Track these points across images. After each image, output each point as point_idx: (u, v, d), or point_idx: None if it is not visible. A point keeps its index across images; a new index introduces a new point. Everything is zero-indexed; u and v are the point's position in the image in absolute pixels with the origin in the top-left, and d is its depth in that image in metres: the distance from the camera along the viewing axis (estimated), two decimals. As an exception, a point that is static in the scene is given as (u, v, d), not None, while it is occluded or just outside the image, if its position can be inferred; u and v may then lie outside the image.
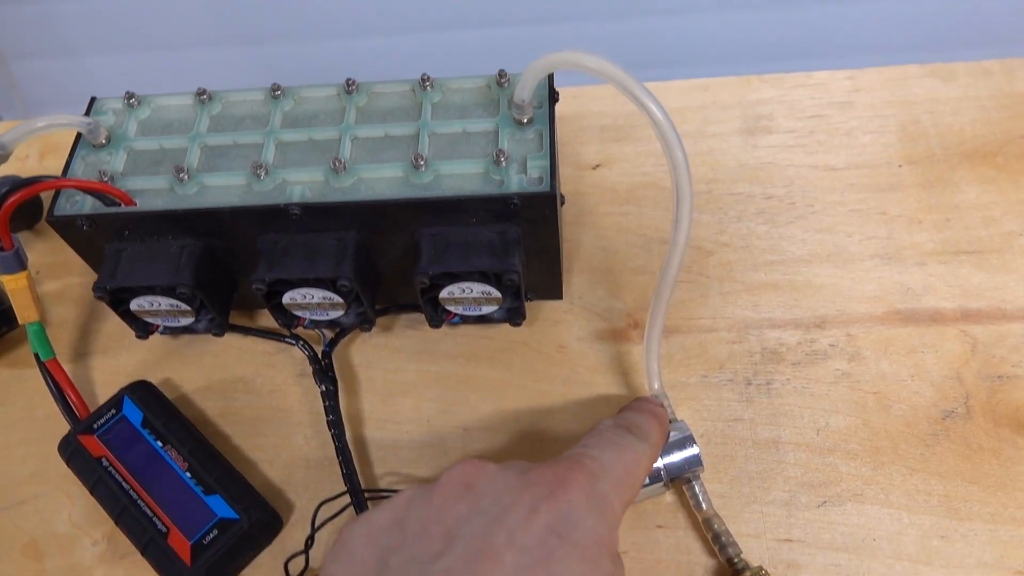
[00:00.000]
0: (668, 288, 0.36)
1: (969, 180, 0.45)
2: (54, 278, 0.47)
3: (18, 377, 0.44)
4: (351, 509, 0.37)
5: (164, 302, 0.39)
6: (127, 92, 0.41)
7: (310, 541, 0.35)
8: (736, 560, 0.35)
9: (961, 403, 0.39)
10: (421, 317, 0.43)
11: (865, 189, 0.46)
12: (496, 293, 0.38)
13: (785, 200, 0.46)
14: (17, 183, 0.36)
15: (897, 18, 0.80)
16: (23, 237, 0.49)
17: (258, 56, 0.99)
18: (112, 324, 0.45)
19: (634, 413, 0.35)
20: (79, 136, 0.40)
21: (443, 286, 0.37)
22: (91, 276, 0.46)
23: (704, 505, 0.36)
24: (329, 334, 0.42)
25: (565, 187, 0.47)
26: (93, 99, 0.41)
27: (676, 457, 0.36)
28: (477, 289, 0.38)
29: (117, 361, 0.44)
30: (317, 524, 0.35)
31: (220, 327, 0.41)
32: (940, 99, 0.49)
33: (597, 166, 0.48)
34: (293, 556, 0.35)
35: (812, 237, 0.44)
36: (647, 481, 0.36)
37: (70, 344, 0.45)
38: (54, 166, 0.51)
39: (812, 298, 0.42)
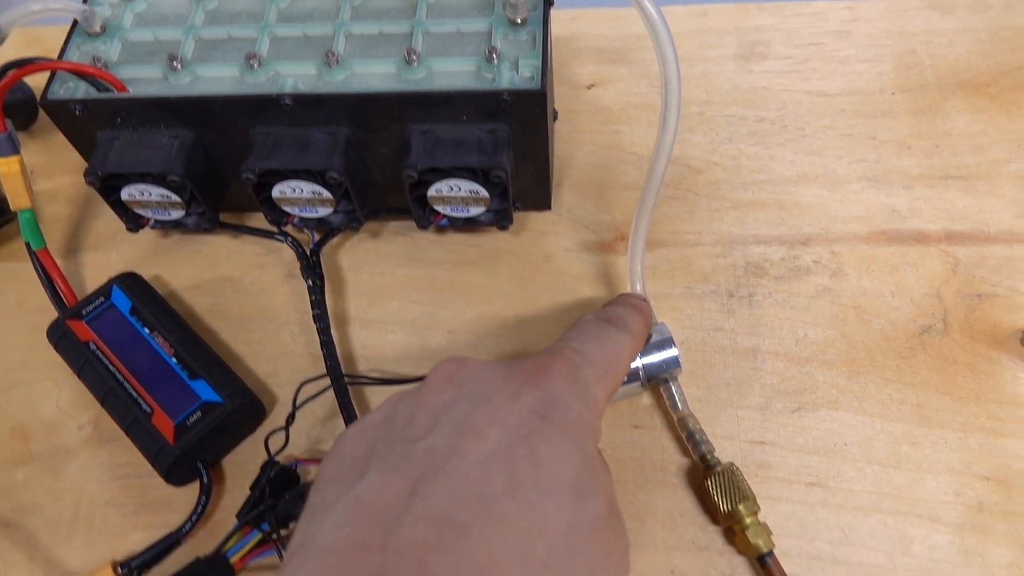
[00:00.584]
0: (656, 185, 0.37)
1: (960, 109, 0.46)
2: (47, 178, 0.48)
3: (10, 270, 0.45)
4: (331, 393, 0.37)
5: (155, 192, 0.39)
6: (123, -18, 0.41)
7: (290, 419, 0.35)
8: (708, 457, 0.36)
9: (939, 319, 0.39)
10: (410, 224, 0.44)
11: (857, 115, 0.46)
12: (484, 193, 0.38)
13: (777, 123, 0.46)
14: (11, 63, 0.36)
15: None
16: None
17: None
18: (103, 222, 0.46)
19: (616, 306, 0.35)
20: (75, 24, 0.40)
21: (431, 183, 0.38)
22: (81, 177, 0.46)
23: (680, 405, 0.37)
24: (318, 234, 0.42)
25: (559, 105, 0.47)
26: (89, -11, 0.41)
27: (655, 357, 0.37)
28: (465, 187, 0.38)
29: (108, 257, 0.45)
30: (299, 403, 0.36)
31: (210, 222, 0.41)
32: (937, 30, 0.49)
33: (592, 86, 0.48)
34: (273, 432, 0.36)
35: (801, 159, 0.45)
36: (625, 379, 0.36)
37: (62, 240, 0.45)
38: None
39: (798, 217, 0.43)
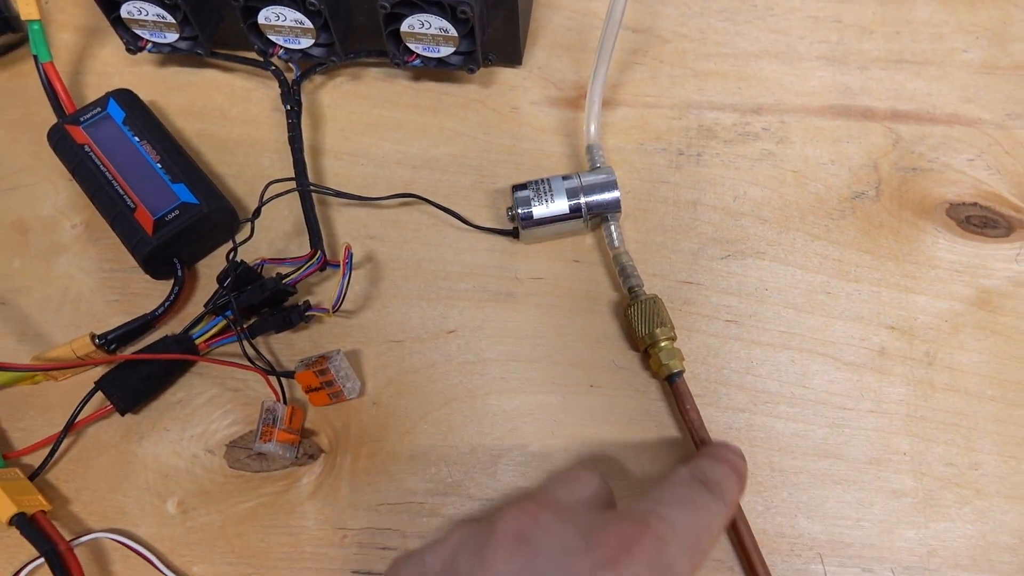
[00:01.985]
0: (613, 33, 0.39)
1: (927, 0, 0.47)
2: (59, 9, 0.51)
3: (19, 87, 0.48)
4: (299, 212, 0.41)
5: (151, 10, 0.42)
6: None
7: (256, 212, 0.39)
8: (636, 289, 0.39)
9: (872, 187, 0.42)
10: (390, 71, 0.47)
11: None
12: (453, 31, 0.41)
13: (748, 2, 0.48)
14: None
15: None
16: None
17: None
18: (108, 51, 0.49)
19: (712, 463, 0.32)
20: None
21: (404, 17, 0.40)
22: (91, 8, 0.49)
23: (617, 243, 0.40)
24: (301, 68, 0.45)
25: (543, -27, 0.50)
26: None
27: (598, 197, 0.39)
28: (435, 24, 0.40)
29: (110, 83, 0.48)
30: (265, 199, 0.39)
31: (202, 48, 0.44)
32: (917, -73, 0.50)
33: (576, -42, 0.50)
34: (241, 223, 0.39)
35: (766, 36, 0.46)
36: (567, 214, 0.39)
37: (68, 63, 0.48)
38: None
39: (755, 88, 0.45)
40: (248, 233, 0.39)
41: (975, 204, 0.41)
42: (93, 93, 0.48)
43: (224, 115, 0.46)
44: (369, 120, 0.46)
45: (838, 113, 0.44)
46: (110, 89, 0.47)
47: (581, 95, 0.45)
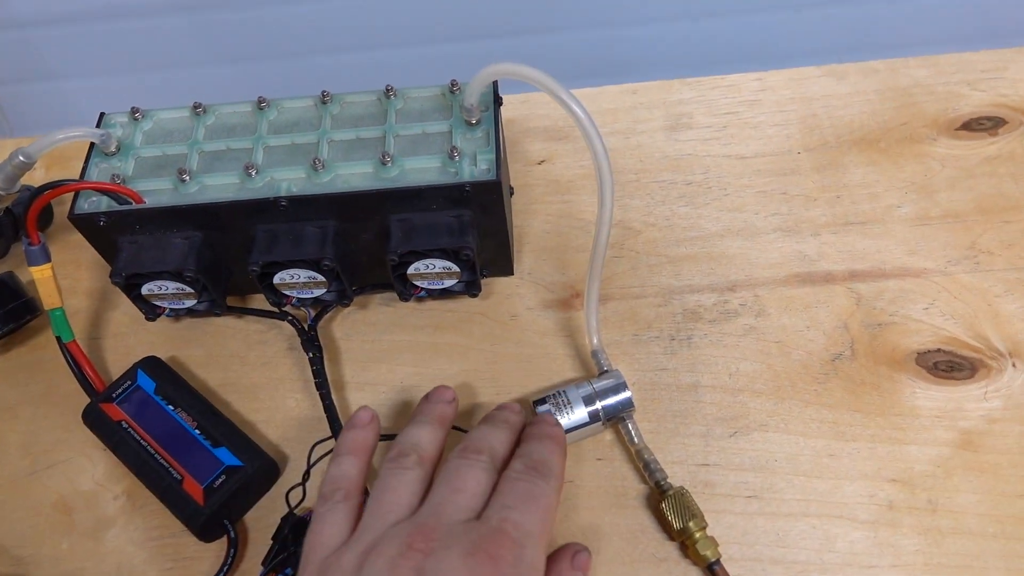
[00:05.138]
0: (601, 255, 0.43)
1: (857, 163, 0.53)
2: (64, 276, 0.53)
3: (38, 360, 0.50)
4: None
5: (171, 286, 0.45)
6: (132, 107, 0.47)
7: (306, 476, 0.41)
8: (662, 483, 0.42)
9: (847, 347, 0.46)
10: (393, 296, 0.50)
11: (770, 174, 0.53)
12: (455, 268, 0.45)
13: (702, 185, 0.53)
14: (44, 185, 0.42)
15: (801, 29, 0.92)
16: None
17: (229, 75, 1.05)
18: (120, 312, 0.52)
19: (537, 445, 0.38)
20: (92, 145, 0.46)
21: (410, 263, 0.44)
22: (96, 272, 0.53)
23: (636, 440, 0.44)
24: (313, 311, 0.48)
25: (514, 180, 0.54)
26: (102, 114, 0.47)
27: (611, 400, 0.43)
28: (439, 265, 0.44)
29: (127, 344, 0.50)
30: (312, 461, 0.41)
31: (219, 307, 0.47)
32: (834, 95, 0.57)
33: (542, 162, 0.56)
34: (293, 488, 0.41)
35: (725, 215, 0.52)
36: (587, 421, 0.43)
37: (84, 330, 0.51)
38: (59, 176, 0.57)
39: (725, 266, 0.50)
40: (301, 496, 0.41)
41: (938, 350, 0.46)
42: (112, 356, 0.50)
43: (243, 361, 0.49)
44: (381, 347, 0.49)
45: (803, 281, 0.49)
46: (126, 348, 0.50)
47: (572, 294, 0.50)
